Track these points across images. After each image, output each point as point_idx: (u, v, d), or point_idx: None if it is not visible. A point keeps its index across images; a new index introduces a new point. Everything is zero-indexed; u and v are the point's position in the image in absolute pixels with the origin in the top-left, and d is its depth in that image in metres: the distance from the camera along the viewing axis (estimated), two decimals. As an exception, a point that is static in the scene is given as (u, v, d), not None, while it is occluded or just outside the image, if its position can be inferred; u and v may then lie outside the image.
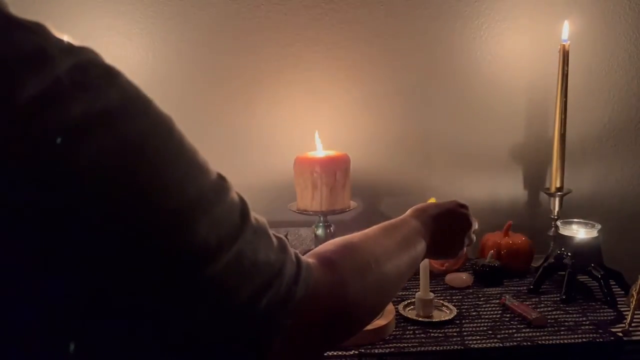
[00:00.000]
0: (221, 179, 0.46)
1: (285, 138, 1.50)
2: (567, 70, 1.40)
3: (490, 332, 1.16)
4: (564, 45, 1.39)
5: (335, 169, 1.32)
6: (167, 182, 0.40)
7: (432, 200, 1.06)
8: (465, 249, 0.92)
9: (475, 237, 0.94)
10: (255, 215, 0.48)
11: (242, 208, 0.46)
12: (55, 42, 0.38)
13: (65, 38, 0.39)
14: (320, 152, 1.37)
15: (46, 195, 0.35)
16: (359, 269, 0.58)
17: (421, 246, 0.76)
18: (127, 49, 1.44)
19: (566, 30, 1.41)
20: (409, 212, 0.84)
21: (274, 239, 0.49)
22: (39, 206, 0.35)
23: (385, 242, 0.68)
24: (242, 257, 0.44)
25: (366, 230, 0.69)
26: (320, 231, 1.38)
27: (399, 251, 0.69)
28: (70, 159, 0.35)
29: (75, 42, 0.40)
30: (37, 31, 0.38)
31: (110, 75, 0.40)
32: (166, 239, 0.39)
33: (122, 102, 0.39)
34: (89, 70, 0.38)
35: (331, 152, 1.37)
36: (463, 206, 0.90)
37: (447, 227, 0.84)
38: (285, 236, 1.54)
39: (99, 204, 0.36)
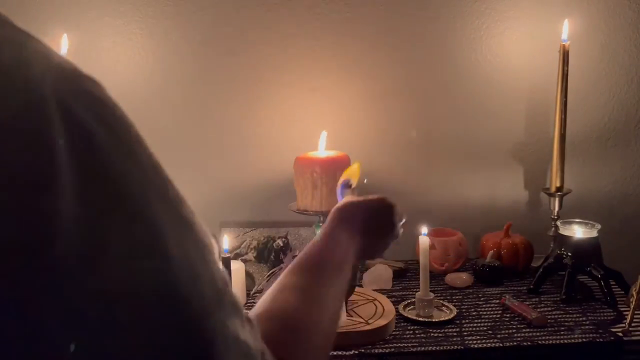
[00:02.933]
0: (207, 239, 0.43)
1: (286, 138, 1.50)
2: (567, 70, 1.40)
3: (490, 332, 1.16)
4: (564, 45, 1.39)
5: (335, 169, 1.32)
6: (142, 237, 0.37)
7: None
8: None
9: (401, 230, 0.89)
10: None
11: (224, 277, 0.43)
12: (48, 62, 0.36)
13: (67, 60, 0.38)
14: (320, 152, 1.37)
15: (19, 237, 0.32)
16: (304, 350, 0.58)
17: (349, 268, 0.74)
18: (127, 49, 1.44)
19: (566, 30, 1.41)
20: (336, 218, 0.79)
21: (247, 324, 0.46)
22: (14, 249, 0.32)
23: (328, 302, 0.66)
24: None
25: (307, 290, 0.65)
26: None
27: (334, 299, 0.68)
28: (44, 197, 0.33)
29: (76, 67, 0.38)
30: (25, 44, 0.36)
31: (104, 109, 0.38)
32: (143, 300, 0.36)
33: (108, 140, 0.37)
34: (80, 99, 0.36)
35: (331, 153, 1.37)
36: (390, 205, 0.86)
37: (375, 233, 0.82)
38: (286, 236, 1.54)
39: (68, 242, 0.34)
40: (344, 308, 1.14)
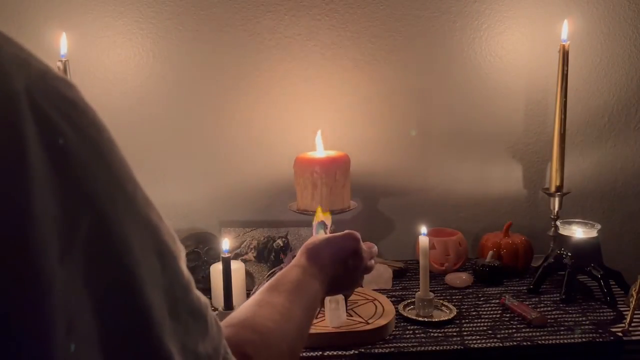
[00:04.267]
0: (176, 246, 0.44)
1: (286, 138, 1.50)
2: (567, 70, 1.40)
3: (490, 332, 1.16)
4: (563, 46, 1.39)
5: (335, 169, 1.32)
6: (107, 240, 0.37)
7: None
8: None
9: (374, 263, 0.93)
10: (198, 294, 0.46)
11: (184, 284, 0.44)
12: (20, 63, 0.36)
13: (42, 61, 0.38)
14: (320, 152, 1.37)
15: None
16: (269, 351, 0.62)
17: (319, 297, 0.80)
18: (127, 49, 1.44)
19: (566, 30, 1.41)
20: (303, 255, 0.84)
21: (210, 328, 0.46)
22: None
23: (295, 317, 0.71)
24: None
25: (278, 306, 0.70)
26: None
27: (306, 321, 0.73)
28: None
29: (50, 69, 0.38)
30: None
31: (74, 111, 0.38)
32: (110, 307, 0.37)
33: (77, 142, 0.37)
34: (52, 99, 0.36)
35: (331, 152, 1.37)
36: (355, 239, 0.88)
37: (343, 266, 0.85)
38: (286, 236, 1.53)
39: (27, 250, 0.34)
40: (343, 309, 1.15)
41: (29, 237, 0.34)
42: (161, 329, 0.39)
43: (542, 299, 1.30)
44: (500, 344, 1.11)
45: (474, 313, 1.24)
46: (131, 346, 0.39)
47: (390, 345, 1.11)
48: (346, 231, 0.89)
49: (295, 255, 0.86)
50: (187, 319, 0.43)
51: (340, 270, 0.85)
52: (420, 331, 1.17)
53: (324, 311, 1.14)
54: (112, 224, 0.38)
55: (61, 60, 1.33)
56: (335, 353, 1.08)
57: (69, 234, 0.35)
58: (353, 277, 0.90)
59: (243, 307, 0.69)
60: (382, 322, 1.15)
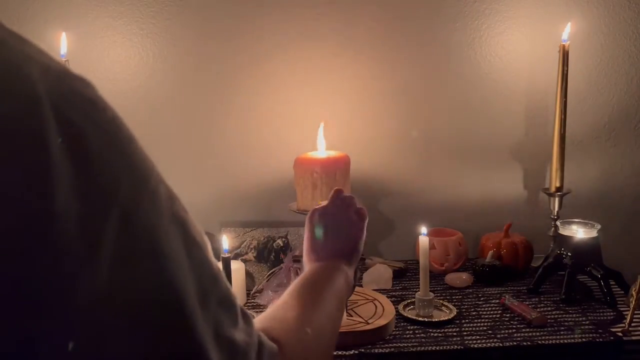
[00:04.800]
0: (200, 236, 0.44)
1: (286, 138, 1.50)
2: (567, 71, 1.40)
3: (490, 332, 1.16)
4: (563, 46, 1.39)
5: (335, 170, 1.32)
6: (134, 236, 0.38)
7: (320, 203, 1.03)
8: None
9: (359, 206, 0.95)
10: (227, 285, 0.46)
11: (213, 274, 0.45)
12: (37, 64, 0.36)
13: (56, 60, 0.38)
14: (320, 152, 1.37)
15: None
16: (307, 355, 0.62)
17: (340, 277, 0.81)
18: (127, 49, 1.44)
19: (567, 31, 1.41)
20: (307, 262, 0.86)
21: (241, 318, 0.47)
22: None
23: (315, 303, 0.72)
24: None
25: (296, 298, 0.71)
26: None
27: (329, 305, 0.74)
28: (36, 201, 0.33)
29: (66, 68, 0.38)
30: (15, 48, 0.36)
31: (94, 109, 0.38)
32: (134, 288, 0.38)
33: (99, 140, 0.37)
34: (71, 99, 0.37)
35: (331, 153, 1.37)
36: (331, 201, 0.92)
37: (339, 226, 0.89)
38: (286, 236, 1.53)
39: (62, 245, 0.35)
40: (344, 309, 1.14)
41: (53, 236, 0.34)
42: (192, 320, 0.40)
43: (542, 299, 1.30)
44: (500, 344, 1.11)
45: (474, 313, 1.24)
46: (162, 338, 0.39)
47: (390, 345, 1.11)
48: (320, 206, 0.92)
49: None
50: (218, 309, 0.43)
51: (339, 233, 0.88)
52: (420, 331, 1.17)
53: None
54: (137, 219, 0.38)
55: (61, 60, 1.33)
56: (335, 353, 1.08)
57: (96, 232, 0.36)
58: (352, 228, 0.92)
59: (274, 307, 0.69)
60: (382, 322, 1.15)
